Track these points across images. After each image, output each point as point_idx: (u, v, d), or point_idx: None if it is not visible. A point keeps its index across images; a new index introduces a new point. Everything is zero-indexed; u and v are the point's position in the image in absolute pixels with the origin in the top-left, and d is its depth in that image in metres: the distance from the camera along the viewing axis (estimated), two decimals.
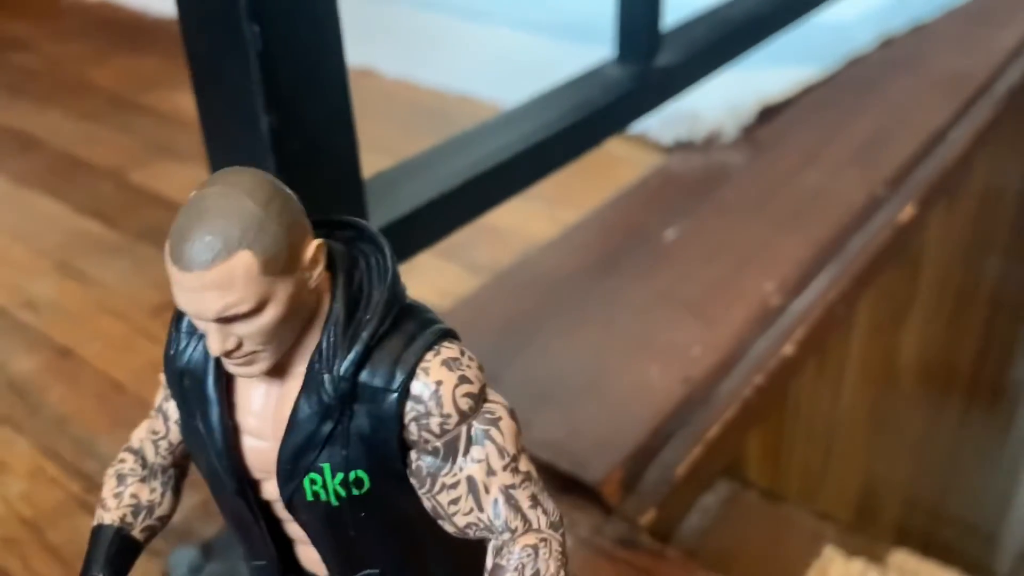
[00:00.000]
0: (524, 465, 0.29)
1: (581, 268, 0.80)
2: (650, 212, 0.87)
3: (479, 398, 0.28)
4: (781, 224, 0.83)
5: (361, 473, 0.28)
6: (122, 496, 0.32)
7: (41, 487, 0.61)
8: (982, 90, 1.06)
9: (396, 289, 0.28)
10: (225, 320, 0.26)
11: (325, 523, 0.29)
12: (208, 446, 0.29)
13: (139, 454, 0.33)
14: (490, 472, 0.28)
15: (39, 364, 0.73)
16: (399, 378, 0.27)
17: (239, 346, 0.27)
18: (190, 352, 0.29)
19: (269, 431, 0.29)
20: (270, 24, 0.37)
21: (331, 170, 0.41)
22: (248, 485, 0.30)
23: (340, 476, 0.28)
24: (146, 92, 1.22)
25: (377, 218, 0.45)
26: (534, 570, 0.28)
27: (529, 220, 0.90)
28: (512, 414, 0.29)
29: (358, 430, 0.28)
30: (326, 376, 0.27)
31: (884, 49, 1.16)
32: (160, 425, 0.32)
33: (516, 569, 0.28)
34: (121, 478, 0.33)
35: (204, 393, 0.29)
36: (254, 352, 0.27)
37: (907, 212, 0.85)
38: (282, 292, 0.26)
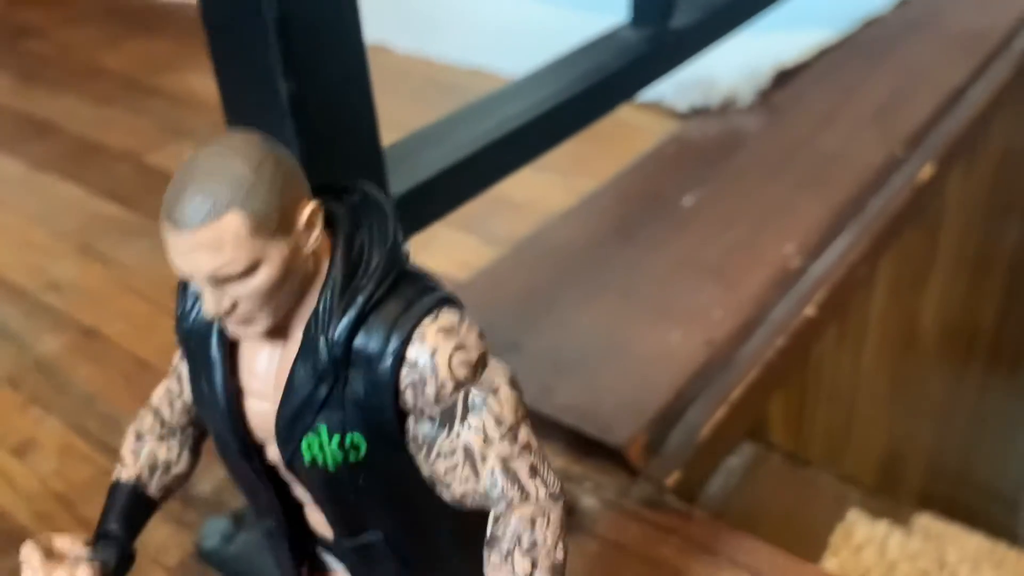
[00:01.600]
0: (524, 434, 0.29)
1: (598, 237, 0.80)
2: (667, 179, 0.87)
3: (477, 365, 0.28)
4: (799, 187, 0.82)
5: (357, 437, 0.28)
6: (139, 453, 0.33)
7: (72, 463, 0.62)
8: (1000, 49, 1.05)
9: (395, 254, 0.28)
10: (218, 281, 0.26)
11: (325, 487, 0.29)
12: (212, 407, 0.30)
13: (158, 413, 0.34)
14: (487, 441, 0.28)
15: (65, 344, 0.74)
16: (394, 344, 0.27)
17: (234, 307, 0.27)
18: (195, 314, 0.30)
19: (271, 393, 0.29)
20: None
21: (350, 137, 0.41)
22: (252, 447, 0.30)
23: (336, 439, 0.28)
24: (159, 75, 1.23)
25: (395, 187, 0.45)
26: (531, 541, 0.28)
27: (546, 192, 0.89)
28: (514, 383, 0.29)
29: (353, 395, 0.27)
30: (321, 340, 0.27)
31: (901, 9, 1.15)
32: (175, 384, 0.33)
33: (512, 539, 0.28)
34: (139, 436, 0.34)
35: (208, 355, 0.29)
36: (250, 313, 0.27)
37: (926, 171, 0.84)
38: (275, 254, 0.26)
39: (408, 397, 0.28)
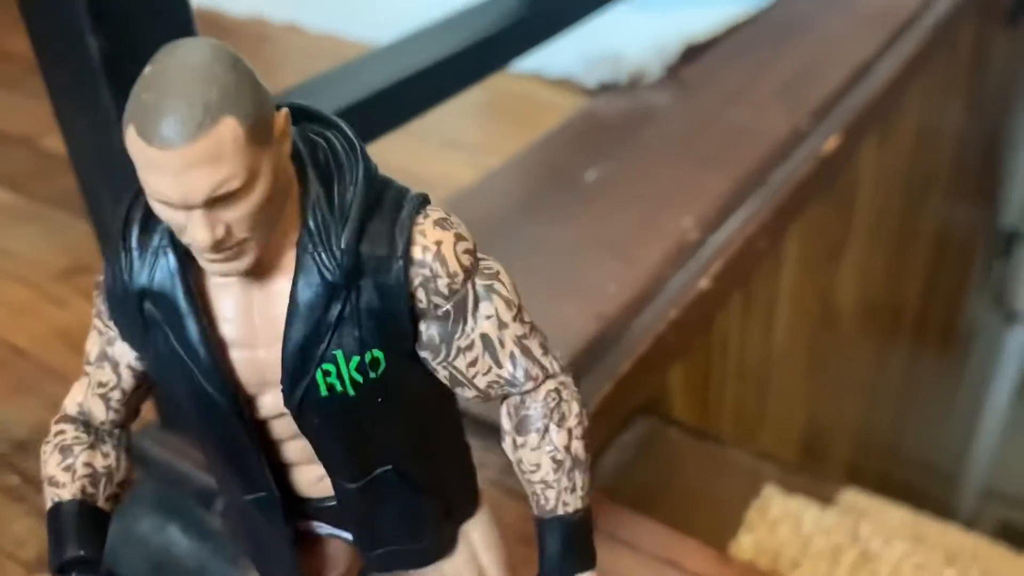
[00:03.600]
0: (527, 315, 0.29)
1: (503, 214, 0.78)
2: (573, 155, 0.85)
3: (475, 254, 0.28)
4: (704, 162, 0.82)
5: (377, 352, 0.27)
6: (74, 468, 0.30)
7: None
8: (910, 23, 1.05)
9: (369, 160, 0.27)
10: (215, 202, 0.24)
11: (340, 420, 0.27)
12: (191, 366, 0.27)
13: (80, 420, 0.30)
14: (502, 326, 0.28)
15: None
16: (400, 244, 0.26)
17: (226, 235, 0.24)
18: (147, 271, 0.27)
19: (259, 335, 0.27)
20: None
21: None
22: (243, 404, 0.28)
23: (356, 360, 0.26)
24: None
25: None
26: (561, 413, 0.28)
27: (454, 169, 0.88)
28: (504, 268, 0.29)
29: (367, 306, 0.26)
30: (324, 255, 0.26)
31: None
32: (108, 374, 0.30)
33: (545, 415, 0.28)
34: (65, 450, 0.30)
35: (176, 309, 0.26)
36: (243, 241, 0.25)
37: (831, 143, 0.84)
38: (267, 165, 0.24)
39: (421, 297, 0.27)
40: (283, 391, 0.27)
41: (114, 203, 0.40)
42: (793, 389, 1.04)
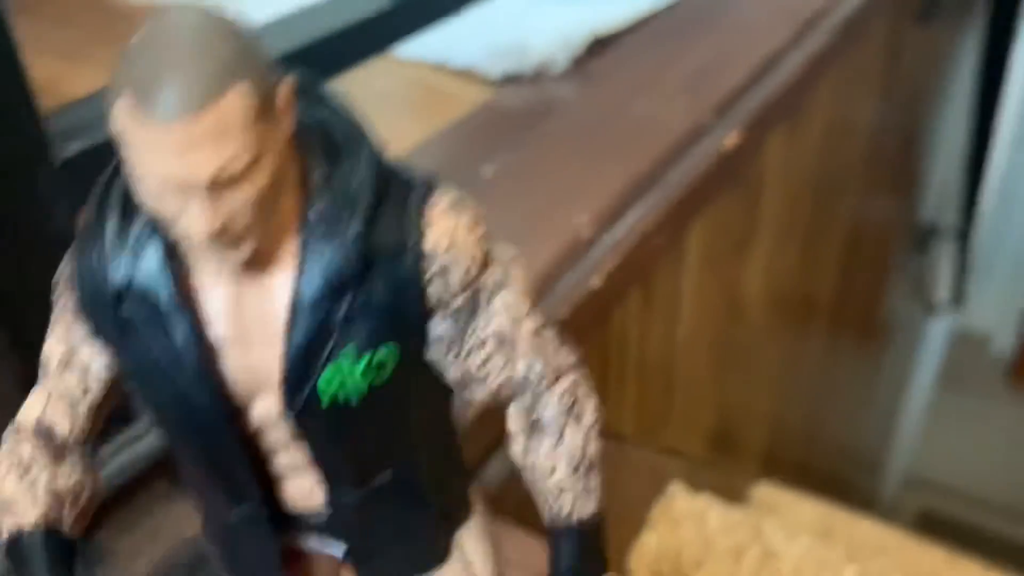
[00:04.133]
0: (538, 308, 0.27)
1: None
2: (471, 148, 0.83)
3: (488, 239, 0.25)
4: (603, 156, 0.80)
5: (387, 350, 0.24)
6: (35, 489, 0.26)
7: None
8: (820, 17, 1.05)
9: (370, 134, 0.24)
10: (219, 185, 0.21)
11: (343, 426, 0.25)
12: (177, 372, 0.24)
13: (40, 432, 0.26)
14: (516, 320, 0.26)
15: None
16: (412, 233, 0.24)
17: (228, 223, 0.22)
18: (126, 266, 0.24)
19: (252, 335, 0.24)
20: None
21: None
22: (233, 411, 0.25)
23: (364, 361, 0.24)
24: None
25: (66, 148, 0.40)
26: (577, 412, 0.27)
27: None
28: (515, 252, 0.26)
29: (377, 301, 0.24)
30: (331, 246, 0.23)
31: None
32: (75, 381, 0.26)
33: (562, 415, 0.27)
34: (23, 469, 0.26)
35: (160, 310, 0.24)
36: (245, 229, 0.22)
37: (732, 139, 0.83)
38: (272, 143, 0.22)
39: (433, 290, 0.25)
40: (282, 397, 0.25)
41: None
42: (700, 383, 1.03)
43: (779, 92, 0.93)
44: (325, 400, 0.24)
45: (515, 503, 0.64)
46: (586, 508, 0.28)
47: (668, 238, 0.76)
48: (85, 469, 0.27)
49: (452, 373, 0.26)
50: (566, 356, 0.27)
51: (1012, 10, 1.91)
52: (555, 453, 0.27)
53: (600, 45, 0.98)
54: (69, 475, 0.27)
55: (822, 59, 1.02)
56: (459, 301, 0.25)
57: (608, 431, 0.84)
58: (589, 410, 0.28)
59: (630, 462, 0.88)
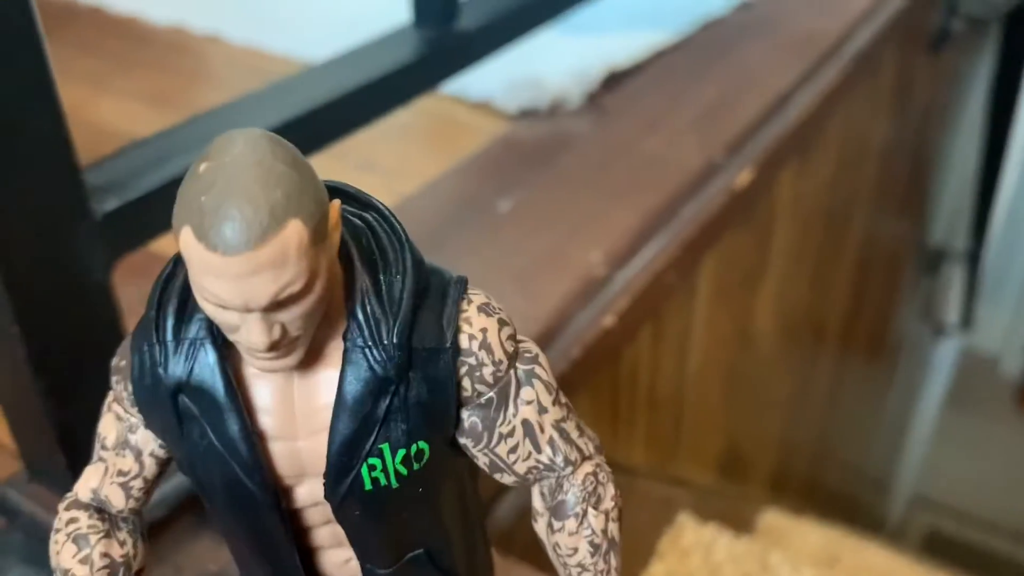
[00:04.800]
0: (563, 397, 0.29)
1: (415, 242, 0.78)
2: (488, 182, 0.85)
3: (516, 338, 0.28)
4: (616, 193, 0.82)
5: (423, 444, 0.26)
6: (91, 559, 0.28)
7: None
8: (830, 53, 1.06)
9: (409, 241, 0.26)
10: (276, 306, 0.23)
11: (381, 510, 0.27)
12: (230, 460, 0.26)
13: (94, 506, 0.29)
14: (542, 411, 0.28)
15: None
16: (448, 335, 0.26)
17: (282, 336, 0.24)
18: (184, 363, 0.25)
19: (299, 427, 0.26)
20: None
21: (26, 151, 0.37)
22: (279, 494, 0.27)
23: (402, 453, 0.26)
24: None
25: (105, 202, 0.41)
26: (597, 496, 0.29)
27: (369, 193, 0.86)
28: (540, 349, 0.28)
29: (416, 399, 0.26)
30: (374, 350, 0.25)
31: (740, 12, 1.16)
32: (130, 463, 0.28)
33: (584, 500, 0.28)
34: (80, 540, 0.28)
35: (216, 404, 0.26)
36: (296, 339, 0.24)
37: (744, 177, 0.85)
38: (323, 262, 0.23)
39: (466, 386, 0.27)
40: (325, 484, 0.26)
41: None
42: (709, 412, 1.05)
43: (791, 128, 0.94)
44: (367, 487, 0.26)
45: (523, 543, 0.65)
46: None
47: (680, 275, 0.78)
48: (136, 539, 0.29)
49: (481, 460, 0.28)
50: (586, 444, 0.29)
51: (1023, 38, 1.92)
52: (577, 536, 0.29)
53: (613, 80, 0.99)
54: (122, 545, 0.29)
55: (834, 93, 1.03)
56: (490, 394, 0.27)
57: (618, 464, 0.86)
58: (609, 495, 0.29)
59: (639, 493, 0.89)
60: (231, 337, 0.25)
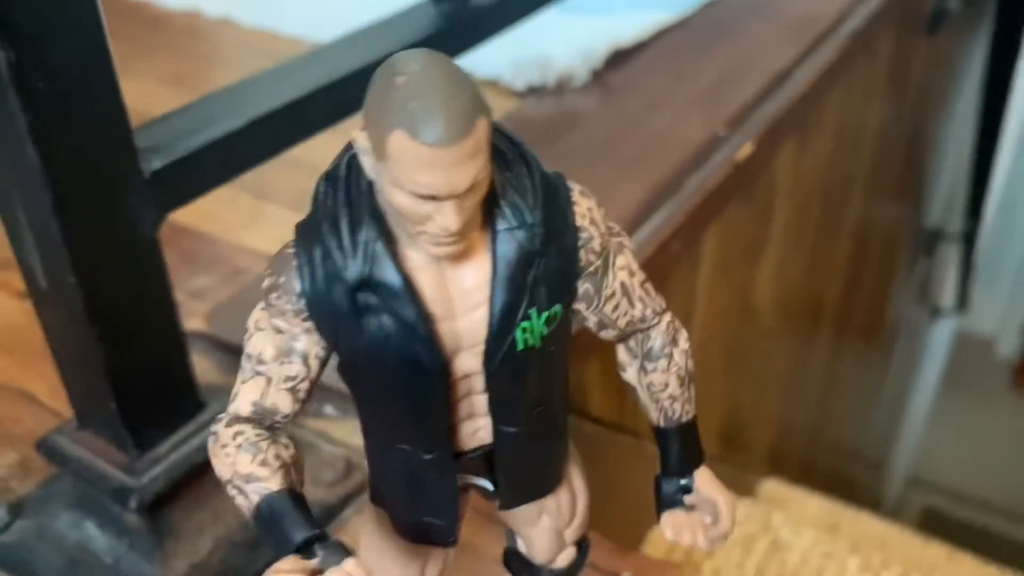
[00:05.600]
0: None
1: None
2: None
3: (606, 216, 0.33)
4: (623, 168, 0.84)
5: (558, 307, 0.31)
6: (268, 462, 0.31)
7: None
8: (828, 32, 1.09)
9: (523, 143, 0.31)
10: (470, 190, 0.28)
11: (525, 370, 0.32)
12: (412, 340, 0.30)
13: (255, 419, 0.32)
14: (632, 274, 0.33)
15: None
16: (569, 215, 0.31)
17: (466, 221, 0.28)
18: (361, 263, 0.29)
19: (456, 308, 0.31)
20: None
21: (87, 110, 0.40)
22: (444, 366, 0.31)
23: (545, 315, 0.31)
24: None
25: (153, 161, 0.44)
26: (675, 338, 0.35)
27: None
28: None
29: (553, 268, 0.31)
30: (522, 230, 0.30)
31: None
32: (297, 368, 0.32)
33: (670, 342, 0.35)
34: (252, 447, 0.31)
35: (395, 293, 0.30)
36: (469, 224, 0.29)
37: (745, 150, 0.88)
38: (489, 158, 0.28)
39: (582, 256, 0.32)
40: (486, 351, 0.31)
41: (26, 210, 0.42)
42: (711, 384, 1.08)
43: (790, 104, 0.97)
44: (519, 347, 0.31)
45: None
46: (690, 412, 0.36)
47: (685, 246, 0.81)
48: (291, 444, 0.33)
49: (592, 319, 0.33)
50: (661, 301, 0.35)
51: (1018, 20, 1.94)
52: (668, 372, 0.35)
53: (617, 58, 1.02)
54: (286, 448, 0.33)
55: (831, 71, 1.06)
56: (596, 264, 0.32)
57: (627, 429, 0.89)
58: (683, 337, 0.35)
59: (645, 455, 0.92)
60: (417, 229, 0.29)
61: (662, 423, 0.36)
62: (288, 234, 0.31)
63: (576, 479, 0.39)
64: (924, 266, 2.40)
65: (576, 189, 0.32)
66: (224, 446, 0.32)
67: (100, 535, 0.51)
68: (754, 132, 0.90)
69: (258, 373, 0.32)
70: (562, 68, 0.96)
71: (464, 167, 0.27)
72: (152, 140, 0.45)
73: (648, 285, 0.34)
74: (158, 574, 0.50)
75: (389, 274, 0.29)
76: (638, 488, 0.94)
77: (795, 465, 1.64)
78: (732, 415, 1.19)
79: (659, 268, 0.77)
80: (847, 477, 2.25)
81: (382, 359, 0.31)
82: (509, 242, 0.30)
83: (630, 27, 1.04)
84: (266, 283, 0.31)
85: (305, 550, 0.30)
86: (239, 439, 0.31)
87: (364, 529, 0.39)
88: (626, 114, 0.93)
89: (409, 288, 0.30)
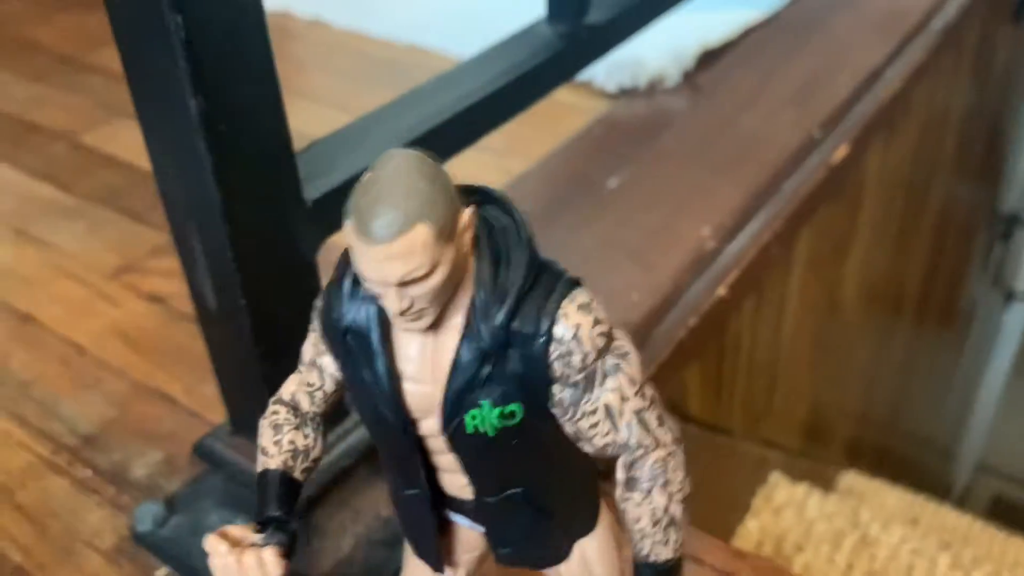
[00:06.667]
0: (649, 391, 0.34)
1: (530, 218, 0.83)
2: (594, 160, 0.89)
3: (609, 336, 0.33)
4: (719, 169, 0.86)
5: (515, 406, 0.32)
6: (281, 443, 0.36)
7: (8, 451, 0.64)
8: (919, 28, 1.09)
9: (533, 249, 0.32)
10: (404, 284, 0.30)
11: (480, 451, 0.34)
12: (375, 393, 0.33)
13: (291, 405, 0.37)
14: (623, 399, 0.33)
15: (0, 332, 0.75)
16: (544, 325, 0.31)
17: (411, 305, 0.31)
18: (353, 314, 0.33)
19: (428, 376, 0.33)
20: (193, 13, 0.38)
21: (261, 148, 0.43)
22: (409, 423, 0.34)
23: (497, 410, 0.32)
24: (94, 51, 1.22)
25: (312, 190, 0.47)
26: (665, 479, 0.33)
27: (480, 172, 0.92)
28: (634, 349, 0.34)
29: (512, 371, 0.32)
30: (483, 327, 0.31)
31: None
32: (315, 378, 0.36)
33: (650, 479, 0.33)
34: (277, 427, 0.37)
35: (370, 347, 0.33)
36: (423, 309, 0.31)
37: (841, 152, 0.88)
38: (447, 256, 0.30)
39: (556, 368, 0.32)
40: (440, 421, 0.33)
41: (203, 240, 0.45)
42: (798, 379, 1.09)
43: (881, 103, 0.97)
44: (468, 430, 0.33)
45: None
46: (662, 555, 0.35)
47: (782, 247, 0.82)
48: (317, 435, 0.38)
49: (567, 429, 0.34)
50: (664, 433, 0.34)
51: None
52: (640, 507, 0.34)
53: (707, 58, 1.03)
54: (306, 437, 0.37)
55: (922, 68, 1.05)
56: (576, 378, 0.32)
57: (719, 427, 0.90)
58: (676, 480, 0.34)
59: (736, 454, 0.94)
60: (380, 303, 0.32)
61: (633, 555, 0.35)
62: None
63: (596, 562, 0.38)
64: (1000, 251, 2.36)
65: (577, 302, 0.32)
66: (264, 418, 0.37)
67: None
68: (848, 133, 0.91)
69: (298, 371, 0.37)
70: (654, 70, 0.98)
71: (393, 263, 0.29)
72: (311, 167, 0.48)
73: (649, 415, 0.33)
74: (305, 572, 0.54)
75: (369, 329, 0.33)
76: (730, 484, 0.96)
77: (870, 454, 1.64)
78: (815, 407, 1.20)
79: (758, 270, 0.78)
80: (918, 465, 2.23)
81: (359, 400, 0.35)
82: (472, 334, 0.32)
83: (719, 25, 1.05)
84: (315, 303, 0.36)
85: (264, 525, 0.35)
86: (272, 417, 0.37)
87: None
88: (718, 115, 0.94)
89: (384, 347, 0.33)
